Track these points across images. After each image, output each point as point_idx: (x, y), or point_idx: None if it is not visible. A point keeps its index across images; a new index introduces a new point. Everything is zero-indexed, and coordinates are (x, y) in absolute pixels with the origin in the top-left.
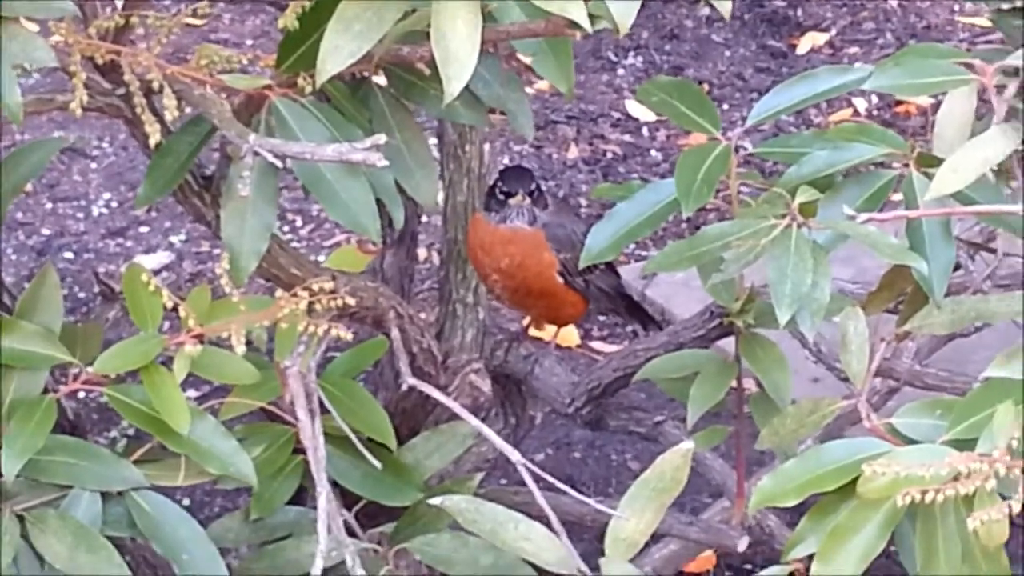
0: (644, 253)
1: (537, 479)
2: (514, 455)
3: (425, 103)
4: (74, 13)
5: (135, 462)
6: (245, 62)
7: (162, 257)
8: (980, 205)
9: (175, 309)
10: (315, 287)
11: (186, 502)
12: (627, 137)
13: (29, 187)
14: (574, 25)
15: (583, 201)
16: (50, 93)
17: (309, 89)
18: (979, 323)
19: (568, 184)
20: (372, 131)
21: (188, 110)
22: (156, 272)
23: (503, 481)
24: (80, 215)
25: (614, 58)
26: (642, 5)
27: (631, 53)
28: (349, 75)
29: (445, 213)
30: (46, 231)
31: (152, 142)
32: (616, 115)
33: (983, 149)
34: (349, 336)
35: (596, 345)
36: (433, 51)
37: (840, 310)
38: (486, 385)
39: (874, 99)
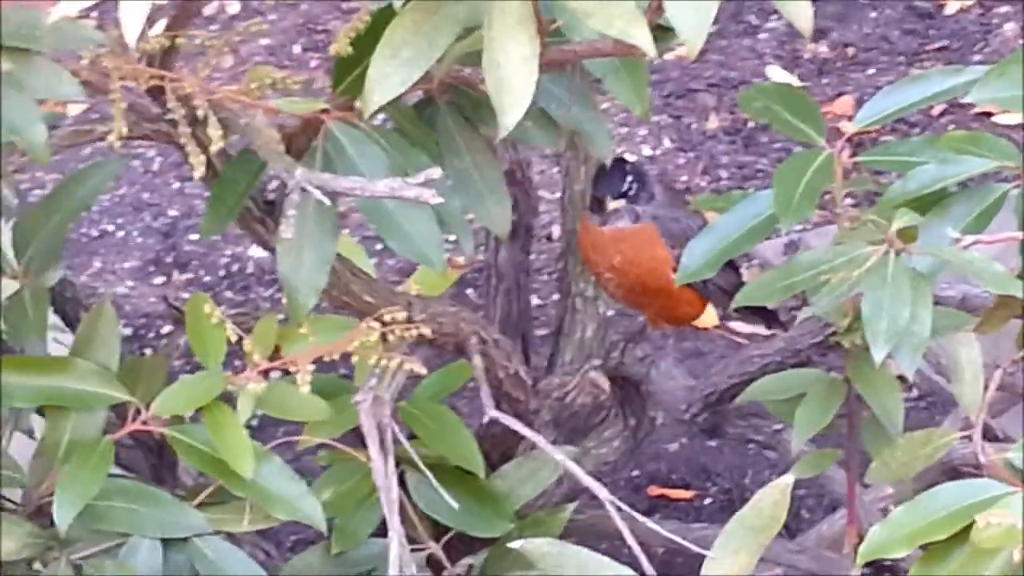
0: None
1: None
2: (601, 492)
3: (493, 123)
4: (105, 41)
5: (198, 506)
6: (300, 84)
7: None
8: None
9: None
10: (388, 318)
11: None
12: None
13: (156, 167)
14: None
15: (723, 173)
16: (89, 124)
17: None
18: None
19: (708, 155)
20: (439, 154)
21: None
22: None
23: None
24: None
25: (756, 22)
26: None
27: (773, 16)
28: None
29: (563, 203)
30: (173, 212)
31: (196, 175)
32: (758, 81)
33: None
34: (423, 371)
35: (735, 325)
36: (486, 79)
37: (955, 326)
38: (606, 382)
39: None
